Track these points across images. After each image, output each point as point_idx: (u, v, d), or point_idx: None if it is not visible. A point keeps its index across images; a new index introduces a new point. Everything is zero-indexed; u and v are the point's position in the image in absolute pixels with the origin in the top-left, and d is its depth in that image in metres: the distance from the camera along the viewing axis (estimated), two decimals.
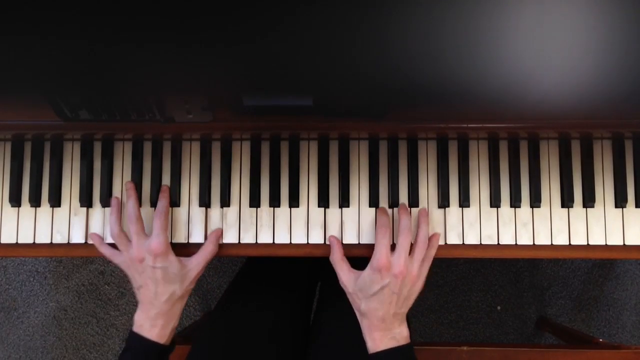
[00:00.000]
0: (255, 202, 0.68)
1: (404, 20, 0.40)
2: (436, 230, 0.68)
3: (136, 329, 0.63)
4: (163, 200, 0.67)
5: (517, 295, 1.34)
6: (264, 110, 0.58)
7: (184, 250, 0.68)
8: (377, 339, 0.60)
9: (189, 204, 0.69)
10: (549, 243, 0.67)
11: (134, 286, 0.66)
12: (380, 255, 0.60)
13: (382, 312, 0.60)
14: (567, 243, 0.67)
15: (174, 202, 0.69)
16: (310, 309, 0.84)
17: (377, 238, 0.62)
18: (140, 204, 0.69)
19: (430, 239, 0.66)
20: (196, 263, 0.66)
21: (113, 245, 0.68)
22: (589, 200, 0.67)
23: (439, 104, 0.58)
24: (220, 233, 0.68)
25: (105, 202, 0.69)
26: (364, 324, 0.62)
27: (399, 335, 0.61)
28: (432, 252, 0.65)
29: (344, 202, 0.68)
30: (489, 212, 0.68)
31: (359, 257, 0.66)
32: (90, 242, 0.69)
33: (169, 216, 0.68)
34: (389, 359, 0.60)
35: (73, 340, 1.37)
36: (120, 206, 0.68)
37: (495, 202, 0.68)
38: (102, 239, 0.68)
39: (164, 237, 0.64)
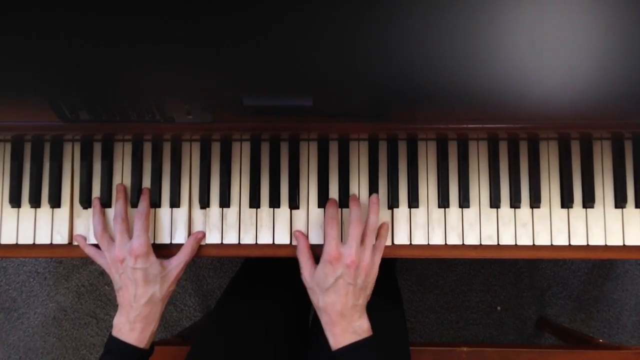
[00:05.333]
0: (255, 203, 0.68)
1: (404, 20, 0.40)
2: (436, 231, 0.68)
3: (115, 332, 0.63)
4: (144, 202, 0.67)
5: (517, 296, 1.34)
6: (264, 110, 0.58)
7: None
8: (338, 335, 0.60)
9: (189, 204, 0.69)
10: (549, 243, 0.67)
11: (115, 288, 0.66)
12: (330, 247, 0.61)
13: (340, 306, 0.60)
14: (567, 243, 0.67)
15: (173, 203, 0.69)
16: (309, 308, 0.84)
17: (326, 230, 0.63)
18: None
19: (379, 228, 0.66)
20: (176, 264, 0.66)
21: (97, 247, 0.68)
22: (588, 201, 0.67)
23: (438, 105, 0.58)
24: (201, 235, 0.68)
25: (105, 203, 0.69)
26: (324, 320, 0.61)
27: (359, 328, 0.60)
28: (383, 243, 0.65)
29: (344, 202, 0.68)
30: (489, 213, 0.68)
31: None
32: (90, 242, 0.69)
33: (151, 217, 0.68)
34: (352, 354, 0.59)
35: (73, 340, 1.37)
36: (102, 207, 0.69)
37: (495, 203, 0.68)
38: (85, 239, 0.69)
39: (145, 238, 0.64)
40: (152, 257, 0.64)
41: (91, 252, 0.68)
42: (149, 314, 0.63)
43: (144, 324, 0.63)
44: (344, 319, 0.60)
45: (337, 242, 0.62)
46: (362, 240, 0.63)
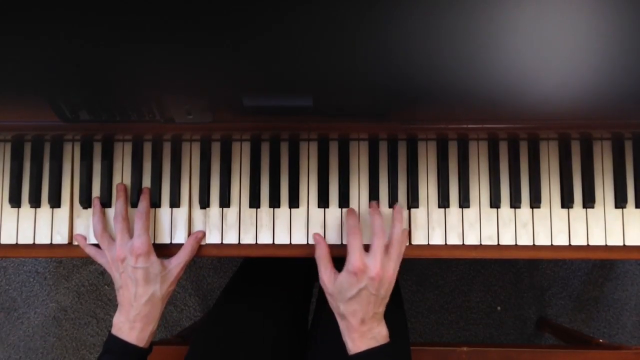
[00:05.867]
0: (255, 203, 0.68)
1: (404, 20, 0.40)
2: (436, 231, 0.68)
3: (115, 331, 0.63)
4: (144, 202, 0.67)
5: (517, 296, 1.34)
6: (264, 110, 0.58)
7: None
8: (356, 340, 0.60)
9: (189, 204, 0.69)
10: (549, 244, 0.67)
11: (115, 287, 0.66)
12: (355, 258, 0.60)
13: (362, 314, 0.60)
14: (567, 244, 0.67)
15: (173, 203, 0.69)
16: (307, 309, 0.84)
17: (349, 241, 0.62)
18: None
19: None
20: (176, 264, 0.66)
21: (97, 246, 0.68)
22: (588, 201, 0.67)
23: (439, 105, 0.58)
24: (200, 235, 0.68)
25: (105, 203, 0.69)
26: (343, 326, 0.62)
27: (378, 335, 0.61)
28: (403, 248, 0.65)
29: (344, 202, 0.68)
30: (489, 213, 0.68)
31: None
32: (90, 242, 0.69)
33: (151, 217, 0.68)
34: (370, 359, 0.60)
35: (73, 340, 1.37)
36: (102, 207, 0.69)
37: (495, 203, 0.68)
38: (86, 239, 0.69)
39: (146, 237, 0.65)
40: (153, 257, 0.64)
41: (91, 252, 0.68)
42: (149, 313, 0.63)
43: (144, 323, 0.63)
44: (364, 326, 0.60)
45: (361, 253, 0.61)
46: (387, 251, 0.62)
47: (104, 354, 0.62)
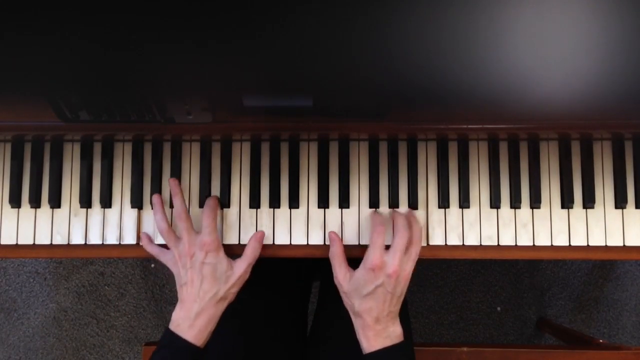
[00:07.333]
0: (255, 203, 0.68)
1: (404, 21, 0.40)
2: (436, 231, 0.68)
3: (173, 327, 0.62)
4: (214, 198, 0.67)
5: (517, 296, 1.34)
6: (264, 110, 0.58)
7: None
8: (371, 339, 0.60)
9: (188, 205, 0.69)
10: (549, 244, 0.67)
11: (178, 283, 0.65)
12: (375, 255, 0.60)
13: (377, 312, 0.60)
14: (567, 244, 0.67)
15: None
16: (306, 310, 0.84)
17: (372, 237, 0.62)
18: (141, 205, 0.69)
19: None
20: (238, 266, 0.65)
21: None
22: (589, 201, 0.67)
23: (439, 105, 0.59)
24: (261, 235, 0.67)
25: (105, 203, 0.69)
26: (358, 324, 0.62)
27: (393, 334, 0.61)
28: (418, 248, 0.64)
29: (344, 203, 0.68)
30: (489, 213, 0.68)
31: (359, 257, 0.66)
32: (89, 242, 0.69)
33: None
34: (384, 358, 0.60)
35: (73, 341, 1.37)
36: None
37: (495, 203, 0.68)
38: (150, 238, 0.68)
39: (216, 234, 0.64)
40: (222, 254, 0.64)
41: (155, 251, 0.67)
42: (211, 311, 0.63)
43: (205, 322, 0.62)
44: (379, 324, 0.60)
45: (382, 250, 0.61)
46: (407, 250, 0.62)
47: (161, 349, 0.62)
